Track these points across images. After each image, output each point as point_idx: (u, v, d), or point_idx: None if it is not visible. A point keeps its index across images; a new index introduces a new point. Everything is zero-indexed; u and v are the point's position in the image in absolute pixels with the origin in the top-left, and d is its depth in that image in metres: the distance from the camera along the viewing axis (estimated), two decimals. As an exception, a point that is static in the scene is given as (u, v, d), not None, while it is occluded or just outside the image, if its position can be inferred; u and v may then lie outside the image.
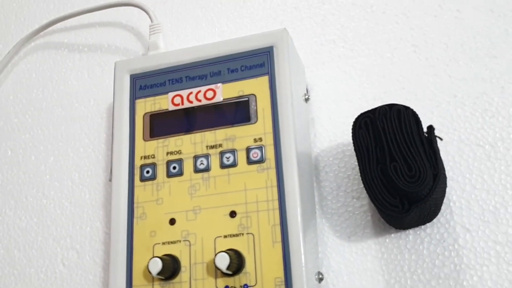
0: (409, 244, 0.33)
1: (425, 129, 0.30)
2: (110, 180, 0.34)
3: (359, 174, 0.34)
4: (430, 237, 0.32)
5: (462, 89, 0.35)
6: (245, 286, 0.30)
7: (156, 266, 0.30)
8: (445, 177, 0.30)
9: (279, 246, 0.30)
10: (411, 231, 0.33)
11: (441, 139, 0.30)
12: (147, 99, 0.35)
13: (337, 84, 0.39)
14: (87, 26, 0.48)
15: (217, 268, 0.29)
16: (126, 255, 0.32)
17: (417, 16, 0.39)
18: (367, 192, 0.30)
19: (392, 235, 0.33)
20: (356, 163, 0.35)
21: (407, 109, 0.30)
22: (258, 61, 0.34)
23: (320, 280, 0.31)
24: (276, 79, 0.33)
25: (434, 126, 0.31)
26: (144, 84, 0.36)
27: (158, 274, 0.30)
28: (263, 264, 0.30)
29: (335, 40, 0.40)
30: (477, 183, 0.33)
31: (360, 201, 0.35)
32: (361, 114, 0.31)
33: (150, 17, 0.40)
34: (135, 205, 0.33)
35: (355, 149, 0.31)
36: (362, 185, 0.34)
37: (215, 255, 0.29)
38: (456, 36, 0.37)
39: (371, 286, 0.32)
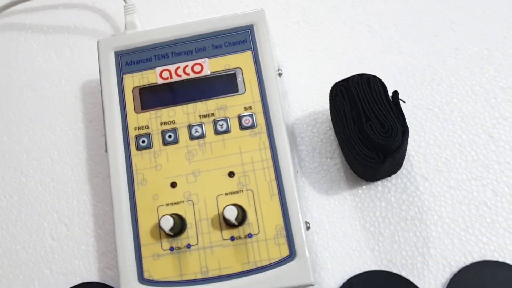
0: (379, 194, 0.38)
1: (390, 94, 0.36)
2: (106, 151, 0.36)
3: (335, 136, 0.39)
4: (396, 186, 0.38)
5: (412, 63, 0.42)
6: (249, 235, 0.33)
7: (168, 222, 0.32)
8: (408, 133, 0.35)
9: (276, 198, 0.34)
10: (379, 182, 0.38)
11: (404, 102, 0.35)
12: (135, 74, 0.37)
13: (304, 61, 0.43)
14: (50, 8, 0.49)
15: (226, 219, 0.32)
16: (130, 218, 0.34)
17: (370, 1, 0.44)
18: (347, 149, 0.34)
19: (364, 186, 0.39)
20: (328, 128, 0.40)
21: (375, 77, 0.35)
22: (240, 38, 0.37)
23: (308, 228, 0.35)
24: (259, 54, 0.36)
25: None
26: (130, 60, 0.38)
27: (170, 230, 0.32)
28: (264, 215, 0.33)
29: (299, 22, 0.45)
30: (430, 139, 0.39)
31: (333, 160, 0.40)
32: (336, 83, 0.36)
33: (124, -2, 0.42)
34: (134, 172, 0.35)
35: (332, 114, 0.36)
36: (334, 147, 0.40)
37: (224, 208, 0.32)
38: (405, 18, 0.43)
39: (350, 231, 0.38)
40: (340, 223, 0.38)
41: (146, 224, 0.34)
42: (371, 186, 0.39)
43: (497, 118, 0.39)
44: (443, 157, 0.39)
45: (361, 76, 0.35)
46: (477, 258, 0.36)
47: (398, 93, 0.35)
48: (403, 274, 0.36)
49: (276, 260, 0.33)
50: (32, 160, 0.43)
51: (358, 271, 0.37)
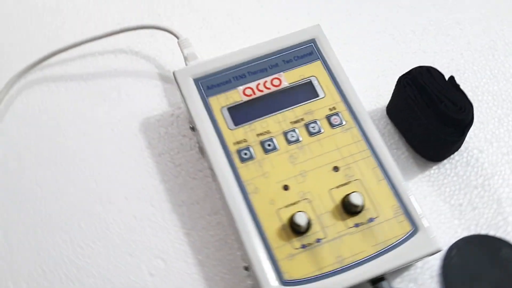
0: (448, 170, 0.43)
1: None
2: (211, 169, 0.37)
3: (395, 129, 0.43)
4: (460, 162, 0.43)
5: (436, 59, 0.48)
6: (371, 219, 0.35)
7: (303, 217, 0.34)
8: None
9: (384, 182, 0.36)
10: (445, 161, 0.43)
11: (459, 85, 0.41)
12: (218, 95, 0.39)
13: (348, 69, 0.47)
14: (84, 56, 0.49)
15: (353, 205, 0.34)
16: (254, 227, 0.35)
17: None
18: (427, 131, 0.39)
19: (434, 167, 0.43)
20: (386, 124, 0.44)
21: (432, 67, 0.41)
22: (307, 51, 0.41)
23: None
24: (327, 61, 0.40)
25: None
26: (210, 84, 0.39)
27: (305, 224, 0.34)
28: (377, 199, 0.36)
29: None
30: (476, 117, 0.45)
31: (400, 150, 0.43)
32: (402, 76, 0.41)
33: (175, 35, 0.44)
34: (244, 183, 0.36)
35: (402, 104, 0.40)
36: (397, 138, 0.44)
37: (348, 196, 0.35)
38: (421, 23, 0.50)
39: (434, 208, 0.41)
40: (423, 203, 0.41)
41: (271, 229, 0.35)
42: (439, 166, 0.43)
43: (519, 92, 0.46)
44: (489, 131, 0.44)
45: (421, 67, 0.40)
46: (543, 207, 0.41)
47: (454, 78, 0.40)
48: (491, 233, 0.40)
49: (402, 236, 0.35)
50: (107, 203, 0.42)
51: (453, 240, 0.40)
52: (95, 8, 0.51)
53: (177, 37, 0.44)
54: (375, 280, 0.35)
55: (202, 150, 0.42)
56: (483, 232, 0.40)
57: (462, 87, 0.46)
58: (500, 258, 0.39)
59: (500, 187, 0.42)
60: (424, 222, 0.35)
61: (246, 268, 0.38)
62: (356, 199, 0.34)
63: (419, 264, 0.39)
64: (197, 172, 0.43)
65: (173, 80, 0.47)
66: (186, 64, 0.43)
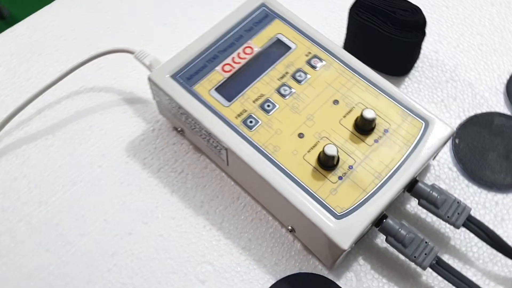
0: (418, 77, 0.46)
1: None
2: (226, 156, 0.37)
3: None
4: (423, 67, 0.47)
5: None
6: (386, 131, 0.37)
7: (333, 148, 0.35)
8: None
9: (381, 96, 0.39)
10: (412, 72, 0.46)
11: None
12: (201, 81, 0.39)
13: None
14: (45, 108, 0.46)
15: (367, 121, 0.36)
16: (290, 181, 0.35)
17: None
18: (391, 42, 0.42)
19: (405, 79, 0.46)
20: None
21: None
22: (262, 15, 0.42)
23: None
24: (284, 16, 0.42)
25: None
26: (188, 75, 0.40)
27: (337, 153, 0.35)
28: (383, 112, 0.38)
29: None
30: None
31: (371, 77, 0.46)
32: (351, 7, 0.44)
33: (128, 51, 0.44)
34: (263, 147, 0.37)
35: (363, 28, 0.43)
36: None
37: (360, 116, 0.36)
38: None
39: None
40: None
41: (305, 175, 0.36)
42: (410, 77, 0.46)
43: (441, -5, 0.51)
44: (435, 33, 0.49)
45: (363, -8, 0.44)
46: (507, 74, 0.46)
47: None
48: (478, 112, 0.44)
49: (418, 132, 0.37)
50: (127, 236, 0.40)
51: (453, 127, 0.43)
52: (33, 59, 0.49)
53: (132, 52, 0.44)
54: (411, 187, 0.37)
55: (198, 148, 0.42)
56: (471, 114, 0.44)
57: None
58: (496, 127, 0.43)
59: (465, 73, 0.46)
60: (430, 114, 0.38)
61: (291, 230, 0.38)
62: (368, 114, 0.36)
63: (435, 163, 0.42)
64: (202, 170, 0.43)
65: (138, 99, 0.46)
66: (151, 71, 0.42)
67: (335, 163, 0.36)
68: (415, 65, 0.47)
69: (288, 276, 0.38)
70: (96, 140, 0.45)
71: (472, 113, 0.44)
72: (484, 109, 0.44)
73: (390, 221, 0.36)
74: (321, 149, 0.37)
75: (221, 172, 0.42)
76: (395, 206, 0.40)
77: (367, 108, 0.37)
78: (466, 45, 0.48)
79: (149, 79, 0.40)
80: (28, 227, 0.41)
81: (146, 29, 0.50)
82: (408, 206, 0.40)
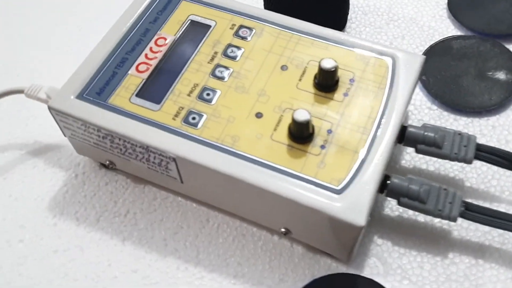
0: (358, 27, 0.41)
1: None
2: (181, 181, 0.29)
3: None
4: (358, 17, 0.42)
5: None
6: (352, 80, 0.31)
7: (303, 113, 0.28)
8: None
9: (331, 46, 0.32)
10: (349, 25, 0.41)
11: None
12: (116, 91, 0.31)
13: None
14: None
15: (328, 72, 0.30)
16: (266, 169, 0.28)
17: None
18: None
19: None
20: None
21: None
22: (164, 1, 0.35)
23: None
24: (190, -4, 0.36)
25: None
26: (97, 88, 0.31)
27: (310, 117, 0.28)
28: (340, 61, 0.32)
29: None
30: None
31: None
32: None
33: (18, 91, 0.35)
34: (218, 142, 0.29)
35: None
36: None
37: (319, 67, 0.30)
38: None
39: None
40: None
41: (281, 158, 0.28)
42: (349, 30, 0.41)
43: None
44: None
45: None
46: None
47: None
48: (434, 41, 0.39)
49: (387, 72, 0.31)
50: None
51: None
52: None
53: (21, 91, 0.35)
54: (401, 136, 0.31)
55: (137, 177, 0.33)
56: (426, 47, 0.39)
57: None
58: (457, 51, 0.38)
59: (403, 10, 0.42)
60: (391, 49, 0.32)
61: (285, 233, 0.31)
62: (328, 64, 0.30)
63: (411, 108, 0.36)
64: (152, 202, 0.34)
65: (47, 146, 0.37)
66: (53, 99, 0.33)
67: (310, 131, 0.29)
68: (348, 17, 0.42)
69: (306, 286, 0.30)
70: (6, 211, 0.34)
71: (426, 46, 0.40)
72: (437, 38, 0.40)
73: (395, 179, 0.29)
74: (289, 122, 0.30)
75: (176, 197, 0.34)
76: (390, 165, 0.34)
77: (323, 58, 0.30)
78: (391, -18, 0.44)
79: (50, 109, 0.31)
80: None
81: (35, 60, 0.42)
82: (403, 161, 0.34)
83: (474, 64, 0.38)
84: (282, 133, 0.29)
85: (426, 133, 0.31)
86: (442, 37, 0.40)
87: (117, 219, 0.33)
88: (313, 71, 0.32)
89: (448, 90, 0.37)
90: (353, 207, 0.27)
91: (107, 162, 0.34)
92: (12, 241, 0.33)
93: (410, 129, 0.31)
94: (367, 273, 0.30)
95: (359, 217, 0.26)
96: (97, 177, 0.35)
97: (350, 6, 0.42)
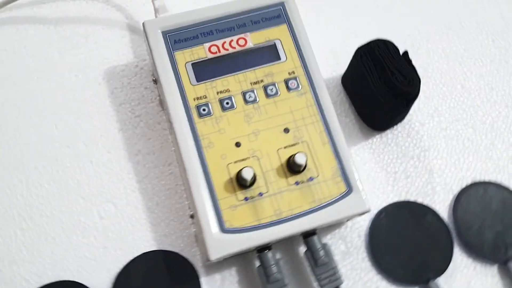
0: (389, 140, 0.46)
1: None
2: (169, 121, 0.39)
3: (347, 97, 0.46)
4: (401, 133, 0.47)
5: (395, 33, 0.51)
6: (311, 179, 0.39)
7: (249, 172, 0.37)
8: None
9: (328, 146, 0.40)
10: (388, 131, 0.47)
11: (411, 60, 0.44)
12: (184, 50, 0.41)
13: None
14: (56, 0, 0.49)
15: (296, 164, 0.38)
16: (204, 179, 0.38)
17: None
18: (375, 101, 0.42)
19: (377, 136, 0.46)
20: (340, 91, 0.47)
21: (389, 41, 0.43)
22: (275, 14, 0.43)
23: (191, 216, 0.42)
24: (293, 25, 0.42)
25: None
26: (177, 38, 0.41)
27: (250, 179, 0.37)
28: (320, 160, 0.39)
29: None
30: (420, 93, 0.48)
31: (348, 117, 0.47)
32: (359, 48, 0.43)
33: (148, -15, 0.45)
34: (200, 137, 0.39)
35: (357, 74, 0.43)
36: (347, 107, 0.47)
37: (293, 156, 0.38)
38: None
39: (372, 173, 0.45)
40: (363, 167, 0.45)
41: (219, 181, 0.38)
42: (382, 135, 0.47)
43: (465, 72, 0.50)
44: (432, 106, 0.48)
45: (379, 40, 0.43)
46: (470, 181, 0.46)
47: (408, 53, 0.43)
48: (419, 200, 0.45)
49: (337, 196, 0.39)
50: (66, 147, 0.44)
51: (384, 204, 0.44)
52: None
53: (150, -12, 0.45)
54: (307, 234, 0.39)
55: (162, 103, 0.44)
56: (412, 199, 0.45)
57: (414, 62, 0.49)
58: (425, 223, 0.44)
59: (434, 159, 0.46)
60: (359, 184, 0.39)
61: (192, 216, 0.42)
62: (299, 159, 0.38)
63: (349, 223, 0.43)
64: (155, 124, 0.45)
65: (141, 31, 0.48)
66: (156, 16, 0.44)
67: (248, 184, 0.38)
68: (395, 126, 0.47)
69: (165, 251, 0.41)
70: (86, 50, 0.47)
71: (414, 198, 0.45)
72: (427, 201, 0.45)
73: (269, 254, 0.39)
74: (246, 165, 0.39)
75: (168, 134, 0.45)
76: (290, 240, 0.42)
77: (301, 152, 0.38)
78: (453, 133, 0.47)
79: (143, 25, 0.42)
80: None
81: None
82: (300, 248, 0.43)
83: (420, 238, 0.43)
84: (236, 168, 0.39)
85: (319, 250, 0.39)
86: (429, 205, 0.45)
87: (129, 114, 0.46)
88: (297, 149, 0.39)
89: (382, 242, 0.43)
90: (219, 246, 0.37)
91: (154, 78, 0.45)
92: (71, 73, 0.46)
93: (315, 238, 0.39)
94: (207, 279, 0.41)
95: (214, 254, 0.37)
96: (145, 78, 0.47)
97: (406, 120, 0.47)
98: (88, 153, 0.44)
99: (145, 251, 0.41)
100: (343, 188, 0.39)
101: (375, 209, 0.44)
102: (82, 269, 0.41)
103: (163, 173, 0.44)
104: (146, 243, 0.42)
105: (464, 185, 0.46)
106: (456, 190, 0.45)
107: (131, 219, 0.42)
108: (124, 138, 0.44)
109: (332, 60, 0.49)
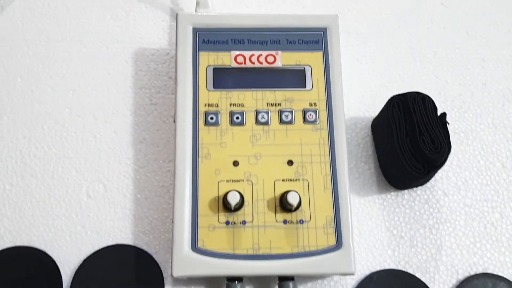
0: (405, 201, 0.42)
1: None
2: (174, 121, 0.37)
3: (372, 143, 0.43)
4: (420, 197, 0.43)
5: (445, 89, 0.46)
6: (301, 221, 0.36)
7: (235, 197, 0.35)
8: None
9: (329, 192, 0.37)
10: (406, 191, 0.43)
11: (448, 123, 0.40)
12: (210, 53, 0.39)
13: (350, 68, 0.46)
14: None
15: (287, 203, 0.35)
16: (191, 188, 0.36)
17: (414, 26, 0.48)
18: (395, 157, 0.38)
19: (392, 193, 0.43)
20: (366, 135, 0.44)
21: (429, 97, 0.39)
22: (314, 38, 0.40)
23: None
24: (329, 56, 0.39)
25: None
26: (207, 38, 0.39)
27: (234, 205, 0.34)
28: (316, 205, 0.36)
29: (349, 31, 0.48)
30: (453, 160, 0.44)
31: (367, 165, 0.43)
32: (395, 96, 0.39)
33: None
34: (199, 145, 0.37)
35: (384, 123, 0.40)
36: (370, 153, 0.43)
37: (287, 192, 0.35)
38: (443, 47, 0.48)
39: (375, 231, 0.41)
40: (367, 222, 0.42)
41: (205, 196, 0.36)
42: (398, 193, 0.43)
43: (511, 151, 0.45)
44: (462, 178, 0.43)
45: (418, 94, 0.39)
46: (480, 270, 0.41)
47: (446, 115, 0.39)
48: (417, 275, 0.41)
49: (323, 247, 0.36)
50: (75, 116, 0.43)
51: (378, 268, 0.41)
52: None
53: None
54: (284, 277, 0.36)
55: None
56: (411, 271, 0.41)
57: (457, 126, 0.45)
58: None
59: (447, 235, 0.42)
60: (350, 242, 0.36)
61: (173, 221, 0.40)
62: (292, 199, 0.35)
63: (335, 278, 0.40)
64: (168, 117, 0.44)
65: (180, 19, 0.47)
66: (196, 10, 0.42)
67: (232, 209, 0.36)
68: (414, 188, 0.43)
69: (139, 249, 0.40)
70: (123, 24, 0.46)
71: (413, 271, 0.41)
72: (426, 278, 0.40)
73: (238, 286, 0.36)
74: (235, 188, 0.36)
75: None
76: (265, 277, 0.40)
77: (295, 192, 0.35)
78: (477, 212, 0.42)
79: (176, 17, 0.40)
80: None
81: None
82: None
83: None
84: (225, 188, 0.36)
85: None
86: (424, 281, 0.41)
87: (147, 91, 0.44)
88: (296, 186, 0.37)
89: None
90: (185, 264, 0.35)
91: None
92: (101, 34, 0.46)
93: (290, 283, 0.36)
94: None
95: (178, 271, 0.35)
96: (173, 68, 0.45)
97: (428, 185, 0.43)
98: (95, 127, 0.43)
99: (120, 243, 0.40)
100: (332, 241, 0.36)
101: (367, 270, 0.40)
102: (55, 242, 0.40)
103: (161, 168, 0.42)
104: (123, 234, 0.41)
105: (472, 273, 0.41)
106: (461, 275, 0.41)
107: (116, 206, 0.41)
108: (134, 123, 0.43)
109: (368, 99, 0.45)
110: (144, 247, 0.40)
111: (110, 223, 0.41)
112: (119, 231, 0.41)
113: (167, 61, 0.45)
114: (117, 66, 0.45)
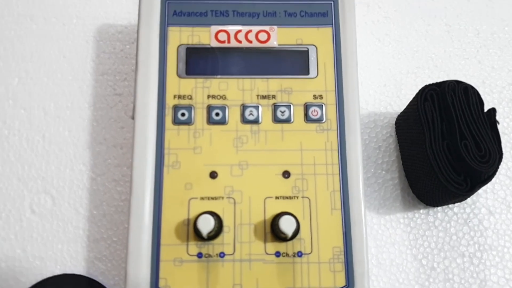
0: (437, 222, 0.33)
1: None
2: (133, 118, 0.28)
3: (397, 145, 0.33)
4: (457, 216, 0.33)
5: (491, 77, 0.36)
6: (299, 254, 0.27)
7: (208, 224, 0.25)
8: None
9: (338, 214, 0.27)
10: (439, 209, 0.33)
11: (498, 123, 0.30)
12: (183, 28, 0.30)
13: (369, 50, 0.37)
14: None
15: (280, 231, 0.26)
16: (152, 208, 0.27)
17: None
18: (427, 167, 0.29)
19: (421, 211, 0.33)
20: (389, 135, 0.34)
21: (473, 88, 0.30)
22: (321, 9, 0.30)
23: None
24: (341, 33, 0.30)
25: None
26: (179, 9, 0.30)
27: (208, 233, 0.25)
28: (320, 232, 0.27)
29: (369, 4, 0.38)
30: (501, 168, 0.34)
31: (390, 173, 0.34)
32: (427, 86, 0.30)
33: None
34: (165, 151, 0.28)
35: (414, 121, 0.30)
36: (393, 158, 0.34)
37: (278, 217, 0.26)
38: (488, 24, 0.38)
39: (399, 260, 0.32)
40: (388, 248, 0.32)
41: (171, 219, 0.27)
42: (429, 211, 0.33)
43: None
44: (513, 192, 0.34)
45: (458, 83, 0.29)
46: (536, 313, 0.32)
47: (496, 111, 0.29)
48: (454, 319, 0.31)
49: (329, 289, 0.27)
50: (20, 109, 0.35)
51: (402, 309, 0.31)
52: None
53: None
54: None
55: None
56: (438, 306, 0.32)
57: (506, 124, 0.35)
58: None
59: (493, 266, 0.32)
60: (365, 283, 0.27)
61: None
62: (285, 225, 0.25)
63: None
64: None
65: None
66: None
67: (205, 237, 0.27)
68: (450, 205, 0.33)
69: (93, 280, 0.31)
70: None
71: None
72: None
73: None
74: (211, 208, 0.27)
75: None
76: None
77: (291, 216, 0.26)
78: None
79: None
80: None
81: None
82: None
83: None
84: (198, 208, 0.27)
85: None
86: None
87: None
88: (294, 206, 0.27)
89: None
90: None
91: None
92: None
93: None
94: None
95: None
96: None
97: (465, 203, 0.33)
98: (44, 124, 0.34)
99: (69, 273, 0.31)
100: (341, 281, 0.27)
101: (386, 312, 0.31)
102: (-12, 269, 0.32)
103: (124, 176, 0.33)
104: (74, 261, 0.32)
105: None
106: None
107: (66, 224, 0.32)
108: (92, 118, 0.34)
109: (392, 90, 0.36)
110: (100, 278, 0.31)
111: (58, 246, 0.32)
112: (68, 257, 0.32)
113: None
114: (74, 47, 0.36)
